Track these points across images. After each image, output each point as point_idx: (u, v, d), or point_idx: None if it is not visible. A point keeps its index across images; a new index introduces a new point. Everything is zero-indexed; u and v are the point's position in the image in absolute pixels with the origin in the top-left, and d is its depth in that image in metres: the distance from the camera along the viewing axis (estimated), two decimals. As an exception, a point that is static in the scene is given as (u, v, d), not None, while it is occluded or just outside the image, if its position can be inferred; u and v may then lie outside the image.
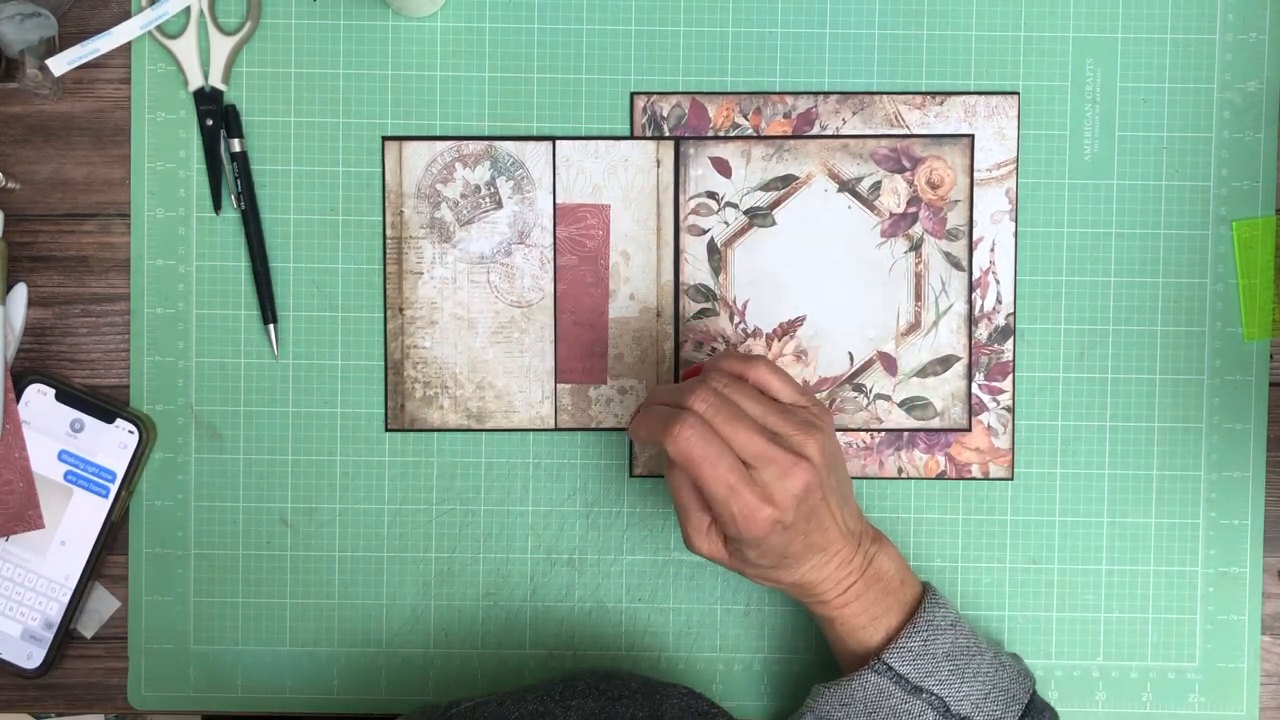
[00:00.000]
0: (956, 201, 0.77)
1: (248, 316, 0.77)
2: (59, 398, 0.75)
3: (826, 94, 0.77)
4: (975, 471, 0.78)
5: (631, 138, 0.77)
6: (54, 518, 0.75)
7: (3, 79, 0.76)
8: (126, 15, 0.76)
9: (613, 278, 0.77)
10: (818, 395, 0.77)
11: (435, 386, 0.77)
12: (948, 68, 0.77)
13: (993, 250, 0.77)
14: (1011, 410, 0.77)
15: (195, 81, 0.76)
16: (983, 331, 0.77)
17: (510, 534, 0.78)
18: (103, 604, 0.77)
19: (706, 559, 0.69)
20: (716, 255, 0.77)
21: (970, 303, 0.77)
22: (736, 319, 0.78)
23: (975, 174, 0.77)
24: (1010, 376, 0.77)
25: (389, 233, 0.77)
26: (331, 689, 0.78)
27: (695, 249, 0.77)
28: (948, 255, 0.77)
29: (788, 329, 0.78)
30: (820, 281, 0.77)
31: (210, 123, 0.76)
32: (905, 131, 0.77)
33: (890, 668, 0.68)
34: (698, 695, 0.68)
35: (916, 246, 0.77)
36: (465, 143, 0.77)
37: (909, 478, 0.78)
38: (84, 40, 0.76)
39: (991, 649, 0.71)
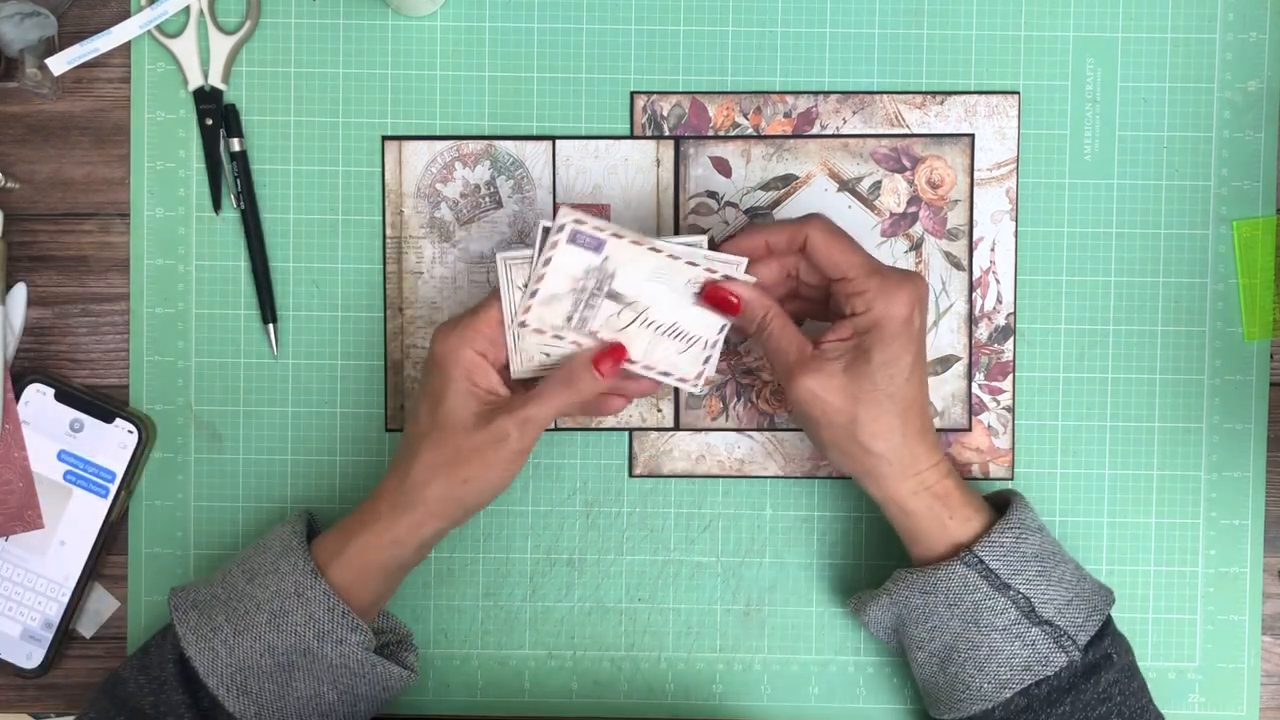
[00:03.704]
0: (956, 201, 0.77)
1: (247, 316, 0.77)
2: (58, 397, 0.75)
3: (826, 94, 0.77)
4: (975, 471, 0.78)
5: (631, 137, 0.77)
6: (53, 518, 0.75)
7: (3, 79, 0.76)
8: (126, 15, 0.76)
9: (613, 277, 0.77)
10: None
11: (435, 386, 0.77)
12: (948, 67, 0.77)
13: (993, 250, 0.77)
14: (1011, 410, 0.77)
15: (195, 81, 0.76)
16: (983, 331, 0.77)
17: (510, 534, 0.78)
18: (102, 604, 0.77)
19: (808, 402, 0.67)
20: (716, 255, 0.77)
21: (970, 302, 0.77)
22: (736, 319, 0.77)
23: (975, 174, 0.77)
24: (1010, 376, 0.77)
25: (389, 232, 0.77)
26: (331, 689, 0.78)
27: (695, 249, 0.77)
28: (948, 255, 0.77)
29: (788, 329, 0.77)
30: (820, 281, 0.77)
31: (210, 122, 0.76)
32: (905, 131, 0.77)
33: (981, 560, 0.67)
34: None
35: (917, 246, 0.77)
36: (465, 142, 0.77)
37: (909, 478, 0.78)
38: (84, 40, 0.76)
39: (1073, 560, 0.71)
